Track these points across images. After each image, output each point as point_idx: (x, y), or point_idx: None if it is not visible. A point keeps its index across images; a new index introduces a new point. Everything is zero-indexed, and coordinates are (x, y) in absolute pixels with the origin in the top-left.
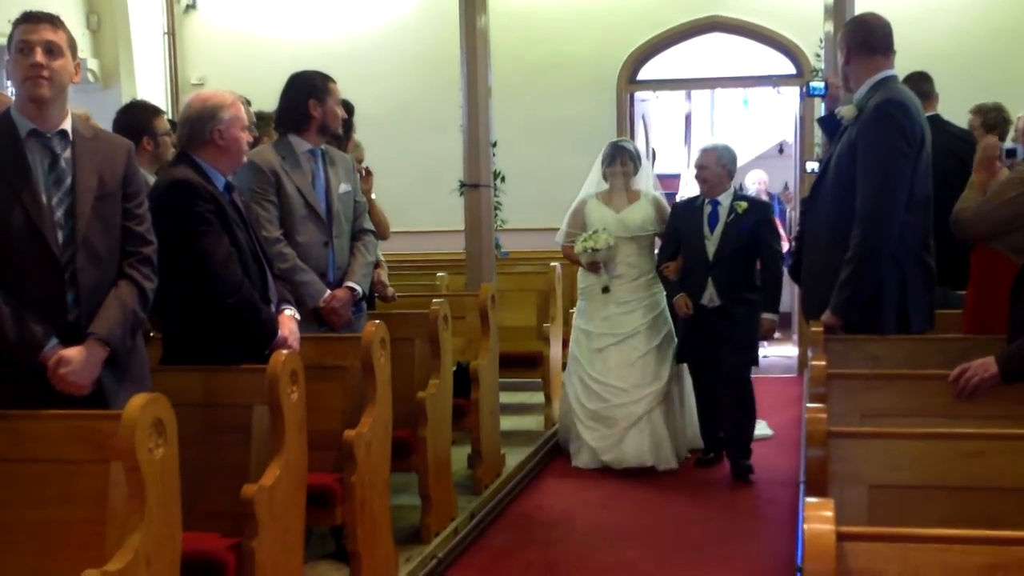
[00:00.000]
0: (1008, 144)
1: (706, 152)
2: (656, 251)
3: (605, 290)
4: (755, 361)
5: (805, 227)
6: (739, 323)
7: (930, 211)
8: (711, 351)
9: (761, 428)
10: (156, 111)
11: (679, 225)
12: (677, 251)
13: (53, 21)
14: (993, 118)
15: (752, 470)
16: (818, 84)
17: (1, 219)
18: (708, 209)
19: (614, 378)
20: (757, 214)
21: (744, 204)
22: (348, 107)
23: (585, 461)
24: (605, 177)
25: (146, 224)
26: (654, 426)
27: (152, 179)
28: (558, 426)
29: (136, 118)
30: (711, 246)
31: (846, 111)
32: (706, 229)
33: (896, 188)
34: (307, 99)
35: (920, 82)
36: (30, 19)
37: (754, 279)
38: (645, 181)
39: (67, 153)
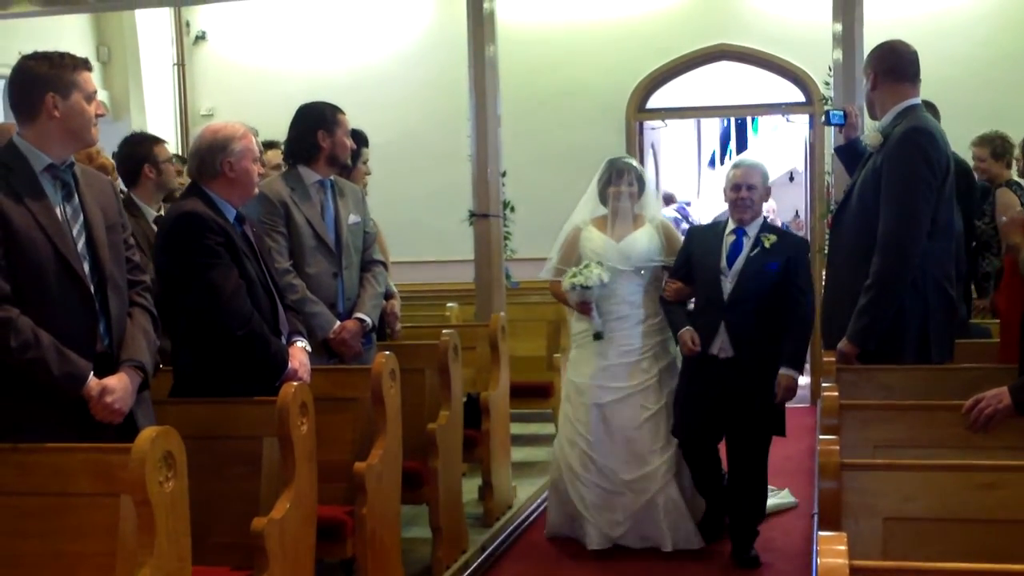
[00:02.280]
0: None
1: (752, 169)
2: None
3: (597, 336)
4: (779, 431)
5: (828, 255)
6: (757, 382)
7: (952, 239)
8: (714, 412)
9: (783, 497)
10: (156, 140)
11: (693, 251)
12: (683, 278)
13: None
14: (999, 146)
15: (759, 562)
16: (838, 112)
17: (33, 254)
18: (731, 239)
19: (618, 443)
20: (789, 251)
21: (773, 237)
22: (362, 137)
23: (597, 542)
24: (604, 200)
25: (139, 254)
26: (670, 501)
27: (153, 210)
28: (548, 504)
29: (136, 148)
30: (727, 284)
31: (871, 138)
32: (723, 262)
33: (919, 216)
34: (316, 130)
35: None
36: (89, 67)
37: (779, 330)
38: (652, 207)
39: (76, 185)
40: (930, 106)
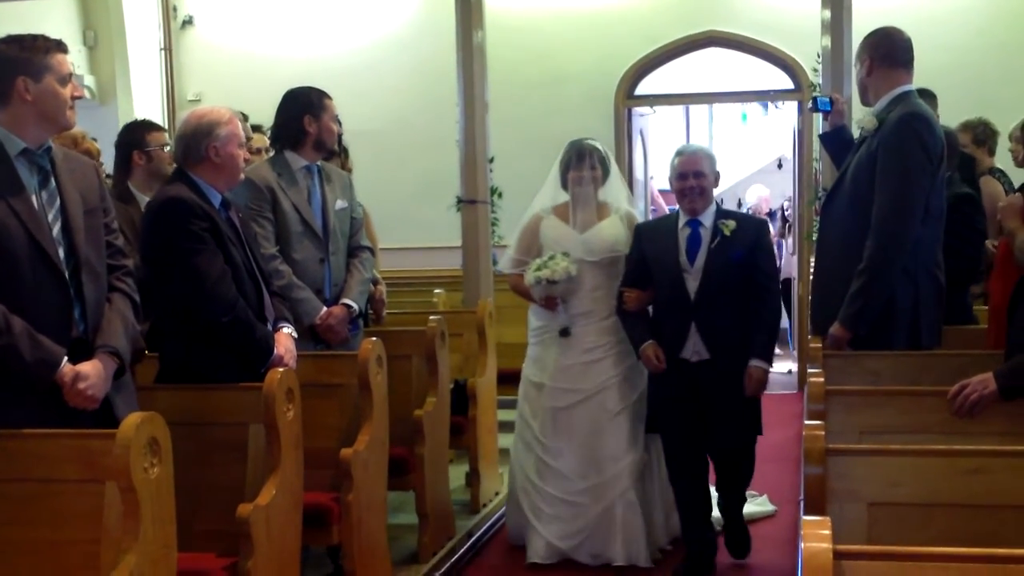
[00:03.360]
0: None
1: (696, 155)
2: None
3: (564, 332)
4: (758, 430)
5: (818, 240)
6: (736, 382)
7: (942, 225)
8: (696, 420)
9: (760, 504)
10: (151, 126)
11: (647, 253)
12: (639, 282)
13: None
14: (981, 132)
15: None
16: (824, 98)
17: (6, 240)
18: (686, 232)
19: (577, 448)
20: (750, 235)
21: (731, 223)
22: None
23: (542, 555)
24: (566, 185)
25: (121, 239)
26: (626, 513)
27: (147, 197)
28: (506, 508)
29: (127, 134)
30: (692, 281)
31: (866, 122)
32: (684, 259)
33: (914, 202)
34: (303, 115)
35: (924, 98)
36: (64, 48)
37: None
38: (616, 193)
39: (53, 170)
40: (928, 94)
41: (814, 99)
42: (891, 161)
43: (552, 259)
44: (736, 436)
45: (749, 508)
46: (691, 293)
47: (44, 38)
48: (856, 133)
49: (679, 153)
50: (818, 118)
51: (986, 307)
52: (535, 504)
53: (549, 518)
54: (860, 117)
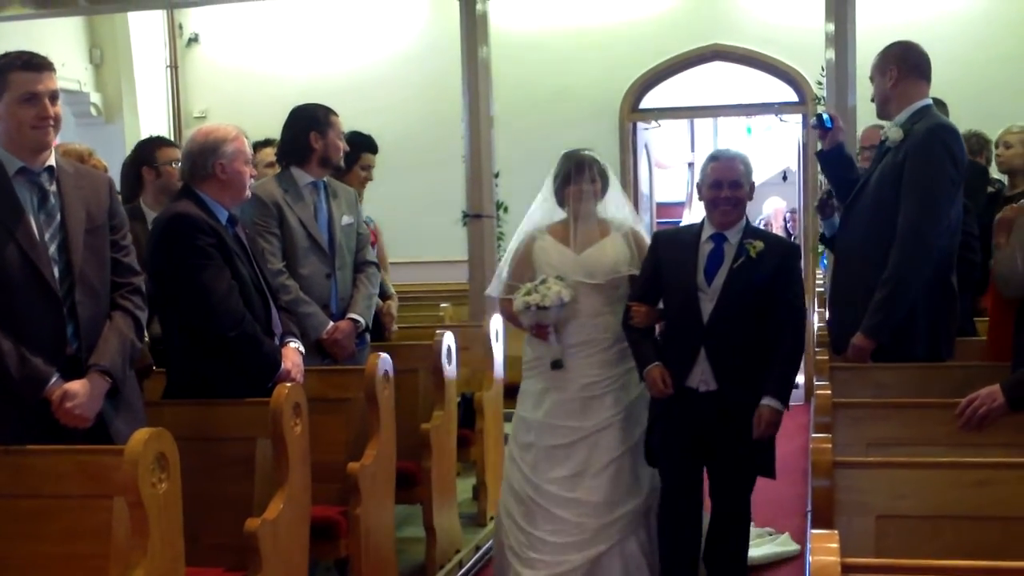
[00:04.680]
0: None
1: (733, 161)
2: None
3: (556, 365)
4: (769, 472)
5: (836, 252)
6: (743, 419)
7: (959, 236)
8: (697, 456)
9: (782, 544)
10: (161, 143)
11: (662, 264)
12: (650, 296)
13: (52, 68)
14: (976, 143)
15: None
16: (828, 116)
17: None
18: (708, 247)
19: (571, 493)
20: (778, 258)
21: (759, 244)
22: (369, 144)
23: None
24: (562, 202)
25: (132, 255)
26: (627, 566)
27: (152, 212)
28: (493, 554)
29: (139, 151)
30: (707, 302)
31: (893, 132)
32: (701, 277)
33: (942, 212)
34: (308, 132)
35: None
36: (31, 67)
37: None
38: (617, 209)
39: (54, 188)
40: (940, 103)
41: (819, 116)
42: (921, 172)
43: (543, 283)
44: (736, 480)
45: (769, 549)
46: (704, 316)
47: (15, 54)
48: (857, 147)
49: (713, 158)
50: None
51: (986, 319)
52: (523, 551)
53: (538, 565)
54: (885, 127)
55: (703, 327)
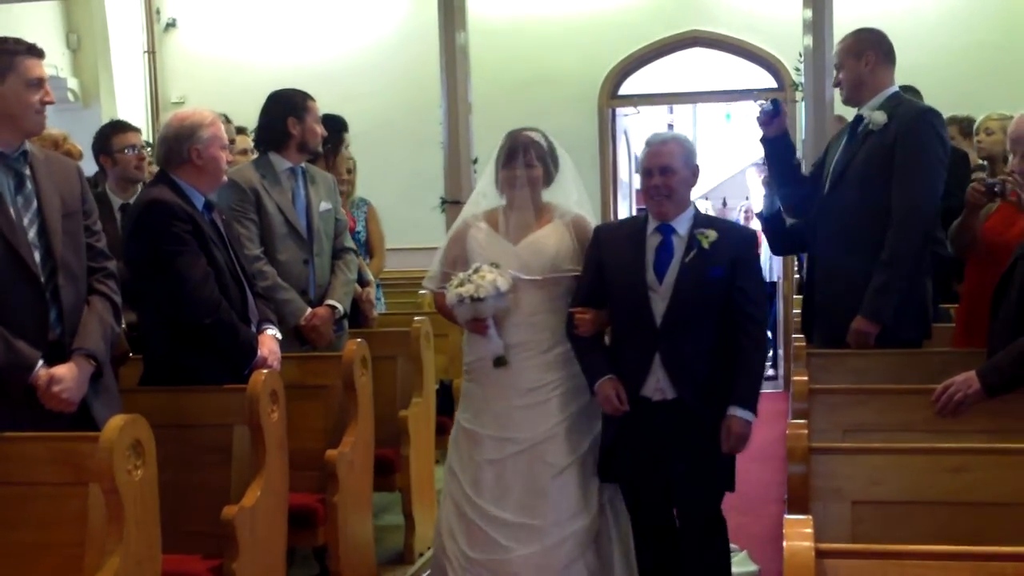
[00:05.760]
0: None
1: (665, 146)
2: None
3: (499, 362)
4: (729, 486)
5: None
6: (705, 429)
7: (939, 219)
8: (658, 469)
9: (740, 563)
10: (118, 128)
11: (606, 262)
12: (595, 298)
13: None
14: (968, 126)
15: None
16: (778, 102)
17: None
18: (656, 241)
19: (513, 511)
20: (733, 249)
21: (712, 234)
22: (341, 122)
23: None
24: (500, 186)
25: (104, 240)
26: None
27: (119, 199)
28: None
29: (97, 138)
30: (659, 302)
31: (877, 116)
32: (650, 274)
33: (936, 193)
34: (286, 117)
35: (909, 94)
36: (35, 52)
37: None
38: (565, 195)
39: (29, 173)
40: (911, 90)
41: (774, 101)
42: (914, 154)
43: (477, 272)
44: (702, 494)
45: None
46: (657, 317)
47: (16, 41)
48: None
49: (647, 144)
50: (802, 117)
51: (955, 305)
52: (456, 571)
53: None
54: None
55: (656, 330)
